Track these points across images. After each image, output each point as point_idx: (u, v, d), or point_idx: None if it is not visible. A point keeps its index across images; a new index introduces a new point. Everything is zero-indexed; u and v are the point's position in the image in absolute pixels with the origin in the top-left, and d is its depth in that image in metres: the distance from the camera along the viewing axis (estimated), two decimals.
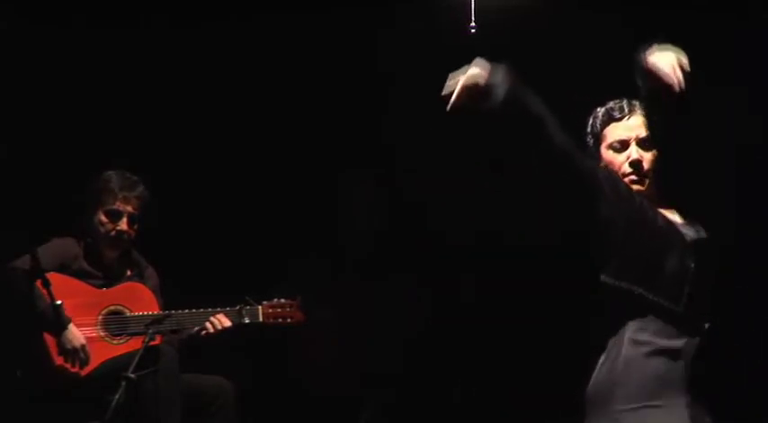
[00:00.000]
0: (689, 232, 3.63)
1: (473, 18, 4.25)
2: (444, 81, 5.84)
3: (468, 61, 3.35)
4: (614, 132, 3.71)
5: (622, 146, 3.70)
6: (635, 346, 3.53)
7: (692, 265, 3.56)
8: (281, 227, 6.14)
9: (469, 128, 5.98)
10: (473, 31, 4.31)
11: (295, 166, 6.18)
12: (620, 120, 3.72)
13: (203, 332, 5.21)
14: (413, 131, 6.04)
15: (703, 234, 3.65)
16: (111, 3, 5.94)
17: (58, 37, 5.84)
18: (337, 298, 5.93)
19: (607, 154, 3.72)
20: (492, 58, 3.35)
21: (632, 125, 3.71)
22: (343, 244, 6.21)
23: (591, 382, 3.61)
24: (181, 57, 6.02)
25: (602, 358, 3.61)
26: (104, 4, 5.92)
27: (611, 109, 3.74)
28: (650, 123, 3.71)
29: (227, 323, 5.23)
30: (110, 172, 5.34)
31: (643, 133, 3.70)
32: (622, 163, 3.69)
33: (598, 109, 3.78)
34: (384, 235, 6.20)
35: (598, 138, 3.74)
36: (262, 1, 5.99)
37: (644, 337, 3.53)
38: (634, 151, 3.68)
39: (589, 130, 3.78)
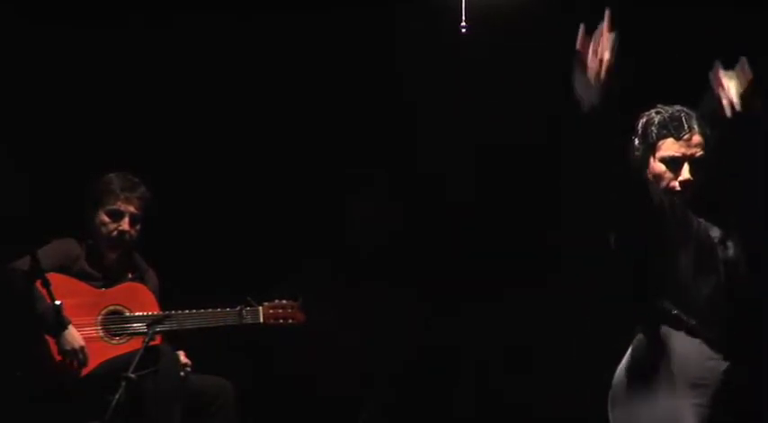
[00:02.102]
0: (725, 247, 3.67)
1: (464, 18, 4.24)
2: (440, 82, 5.83)
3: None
4: (670, 147, 3.69)
5: (675, 162, 3.68)
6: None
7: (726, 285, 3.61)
8: (282, 227, 6.13)
9: (467, 129, 6.03)
10: (464, 30, 4.30)
11: (296, 167, 6.18)
12: (679, 137, 3.69)
13: None
14: (413, 132, 6.05)
15: (732, 250, 3.68)
16: (114, 2, 5.95)
17: (57, 37, 5.85)
18: (337, 298, 5.92)
19: (658, 166, 3.70)
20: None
21: (690, 144, 3.68)
22: (343, 244, 6.20)
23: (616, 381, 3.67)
24: (183, 57, 6.02)
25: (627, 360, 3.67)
26: (106, 4, 5.92)
27: (672, 124, 3.70)
28: (704, 138, 3.70)
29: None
30: (111, 173, 5.34)
31: (699, 153, 3.68)
32: (672, 179, 3.68)
33: (653, 116, 3.74)
34: (385, 236, 6.19)
35: (651, 147, 3.71)
36: (262, 1, 5.99)
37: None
38: (686, 171, 3.66)
39: (640, 134, 3.74)
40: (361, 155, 6.12)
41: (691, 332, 3.58)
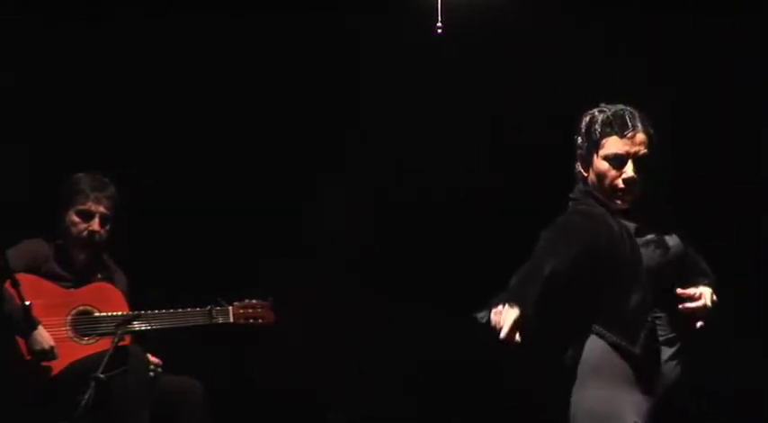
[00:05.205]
0: (649, 252, 3.67)
1: (440, 18, 4.26)
2: (414, 83, 5.84)
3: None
4: (614, 145, 3.69)
5: (619, 160, 3.69)
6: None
7: (650, 299, 3.62)
8: (255, 227, 6.13)
9: (439, 134, 6.05)
10: (440, 31, 4.32)
11: (270, 167, 6.18)
12: (623, 135, 3.70)
13: None
14: (383, 133, 6.07)
15: (670, 245, 3.71)
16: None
17: (27, 35, 5.85)
18: (309, 299, 5.93)
19: (601, 164, 3.70)
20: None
21: (634, 141, 3.69)
22: (315, 245, 6.21)
23: None
24: (152, 59, 6.02)
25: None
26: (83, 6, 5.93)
27: (616, 122, 3.71)
28: (648, 136, 3.70)
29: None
30: (80, 173, 5.34)
31: (642, 151, 3.69)
32: (616, 177, 3.69)
33: (597, 114, 3.75)
34: (356, 237, 6.21)
35: (595, 145, 3.72)
36: (226, 3, 6.00)
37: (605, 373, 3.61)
38: (630, 169, 3.68)
39: (584, 132, 3.75)
40: (334, 157, 6.14)
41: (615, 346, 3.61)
